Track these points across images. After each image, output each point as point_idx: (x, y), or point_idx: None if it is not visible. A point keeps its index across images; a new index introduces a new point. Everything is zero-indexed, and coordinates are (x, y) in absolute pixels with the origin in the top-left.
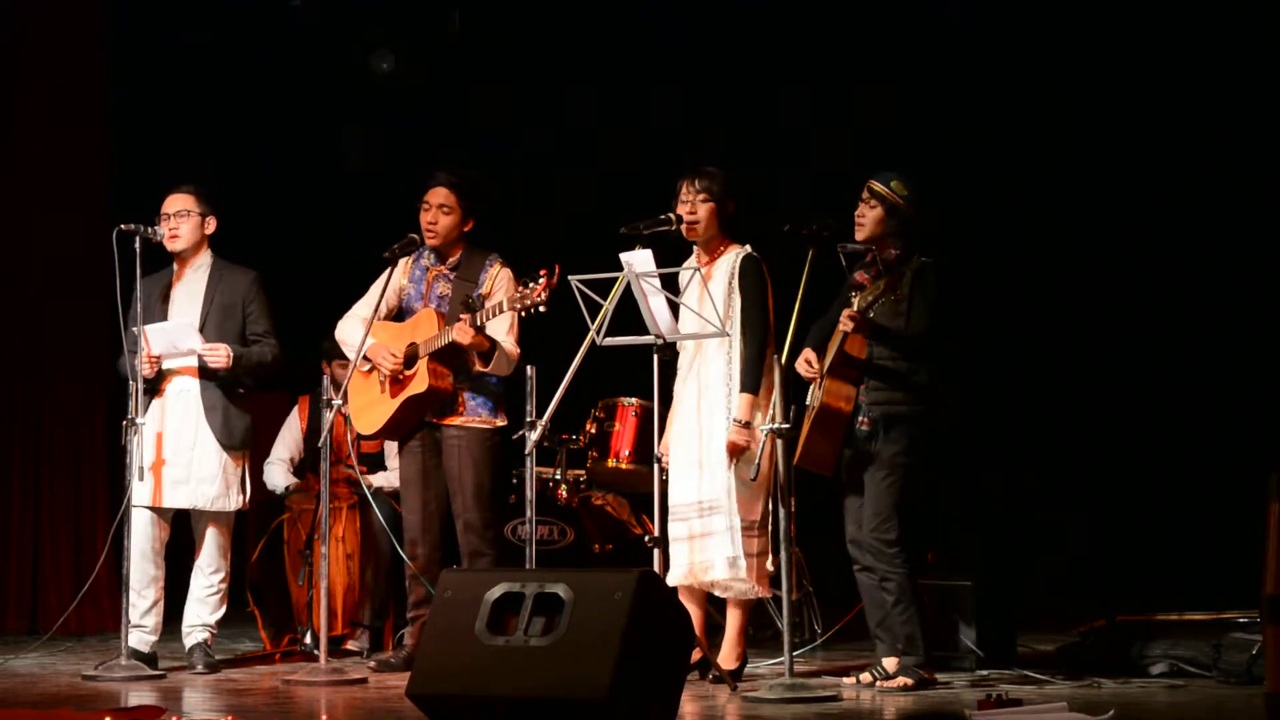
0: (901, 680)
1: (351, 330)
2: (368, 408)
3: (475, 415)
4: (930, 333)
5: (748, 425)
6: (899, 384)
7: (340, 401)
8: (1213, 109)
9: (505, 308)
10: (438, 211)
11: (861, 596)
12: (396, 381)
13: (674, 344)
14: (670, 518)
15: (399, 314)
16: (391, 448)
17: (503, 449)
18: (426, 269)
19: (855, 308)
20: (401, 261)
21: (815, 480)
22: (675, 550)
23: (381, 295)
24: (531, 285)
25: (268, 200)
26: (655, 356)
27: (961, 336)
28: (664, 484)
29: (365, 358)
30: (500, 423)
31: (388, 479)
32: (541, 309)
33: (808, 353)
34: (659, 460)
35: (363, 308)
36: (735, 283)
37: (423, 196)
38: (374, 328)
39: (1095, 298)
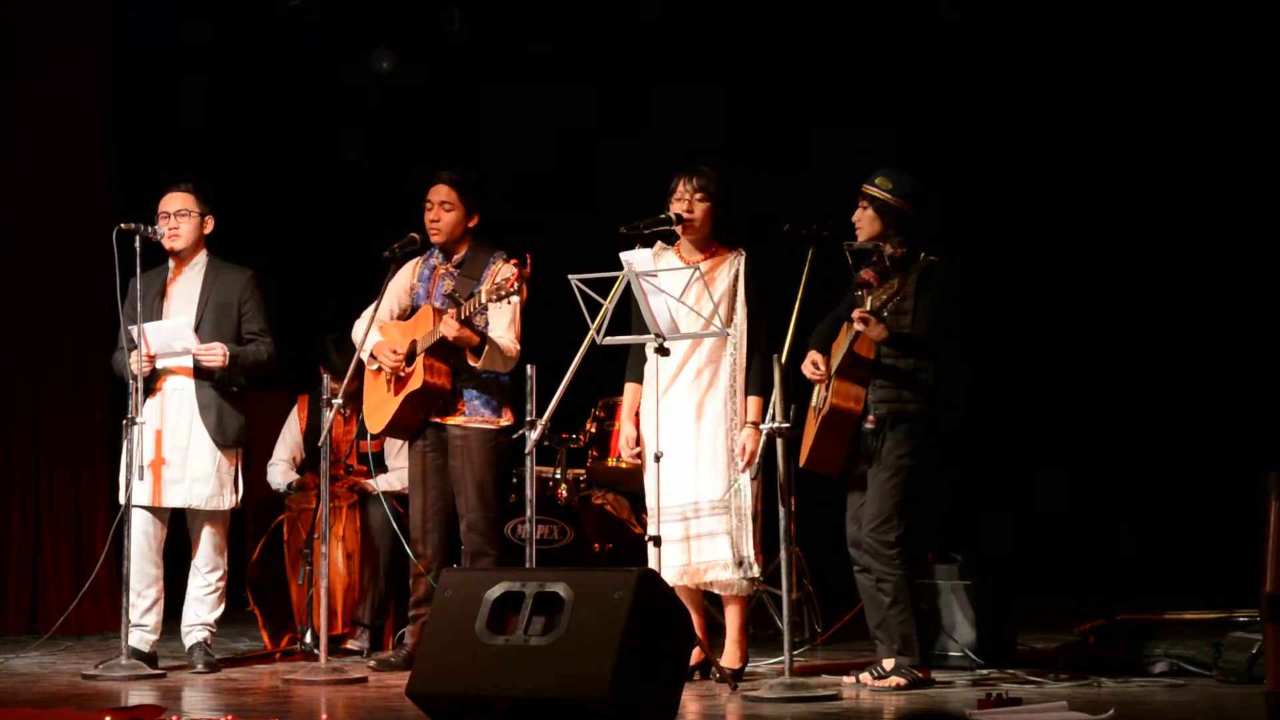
0: (895, 680)
1: (360, 331)
2: (377, 407)
3: (477, 414)
4: (936, 333)
5: (757, 428)
6: (906, 383)
7: (340, 400)
8: (1213, 106)
9: (484, 298)
10: (439, 209)
11: (861, 597)
12: (399, 379)
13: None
14: (662, 518)
15: (411, 313)
16: (392, 447)
17: (508, 448)
18: (434, 268)
19: (868, 307)
20: (412, 262)
21: (815, 480)
22: (668, 551)
23: (380, 295)
24: (505, 276)
25: (267, 199)
26: (655, 355)
27: (964, 335)
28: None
29: (372, 355)
30: (504, 421)
31: (389, 481)
32: (516, 297)
33: (814, 355)
34: (658, 458)
35: (373, 309)
36: (740, 286)
37: (425, 195)
38: (383, 327)
39: (1096, 296)
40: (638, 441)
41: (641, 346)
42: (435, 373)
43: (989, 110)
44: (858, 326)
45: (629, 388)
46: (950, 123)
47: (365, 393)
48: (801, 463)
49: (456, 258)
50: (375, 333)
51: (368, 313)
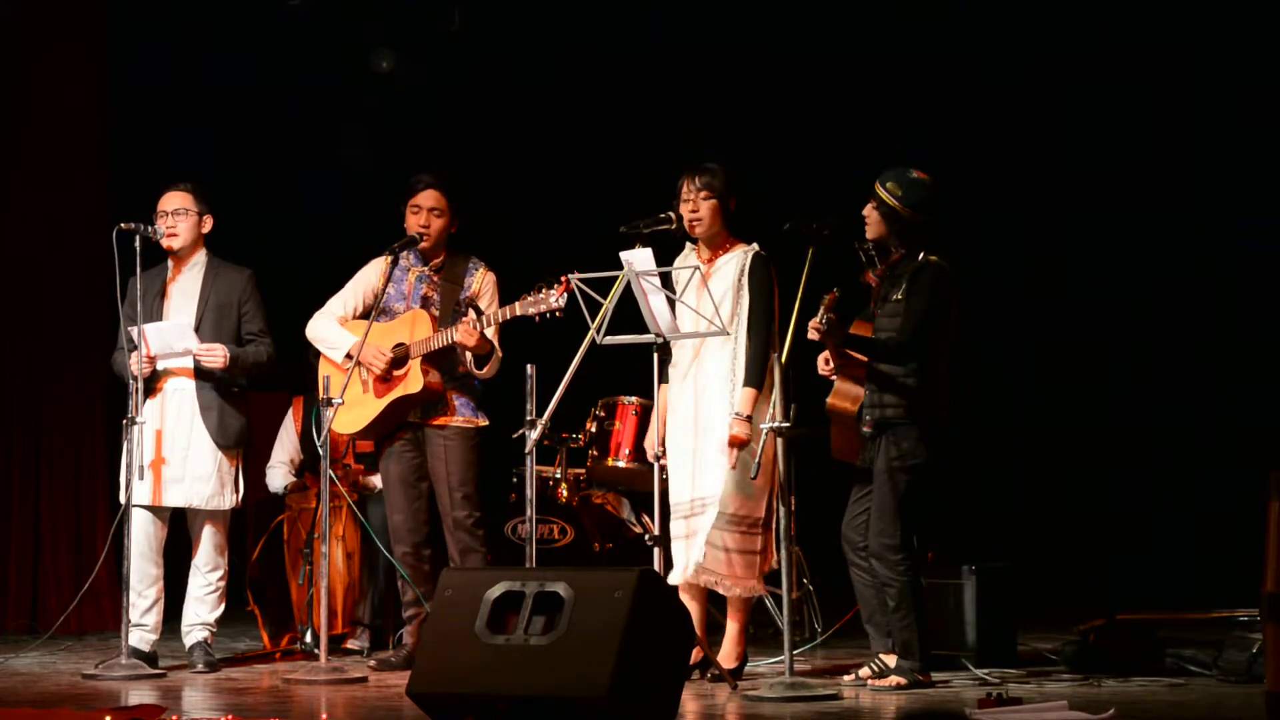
0: (895, 680)
1: (325, 328)
2: (349, 407)
3: (461, 415)
4: (914, 337)
5: (749, 420)
6: (891, 388)
7: (340, 400)
8: (1213, 104)
9: (518, 310)
10: (429, 215)
11: (855, 591)
12: (383, 381)
13: (668, 343)
14: (670, 516)
15: (378, 314)
16: None
17: (485, 448)
18: (408, 269)
19: (818, 318)
20: (380, 262)
21: (815, 480)
22: (675, 549)
23: (383, 291)
24: (546, 291)
25: (266, 200)
26: (655, 355)
27: (961, 336)
28: (664, 482)
29: (348, 355)
30: (482, 422)
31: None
32: (558, 314)
33: (828, 352)
34: (659, 458)
35: (337, 305)
36: (745, 280)
37: (409, 200)
38: (356, 327)
39: (1096, 296)
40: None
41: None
42: (432, 377)
43: (988, 109)
44: (811, 336)
45: (662, 389)
46: (950, 122)
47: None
48: (833, 453)
49: (435, 263)
50: (346, 332)
51: (334, 310)
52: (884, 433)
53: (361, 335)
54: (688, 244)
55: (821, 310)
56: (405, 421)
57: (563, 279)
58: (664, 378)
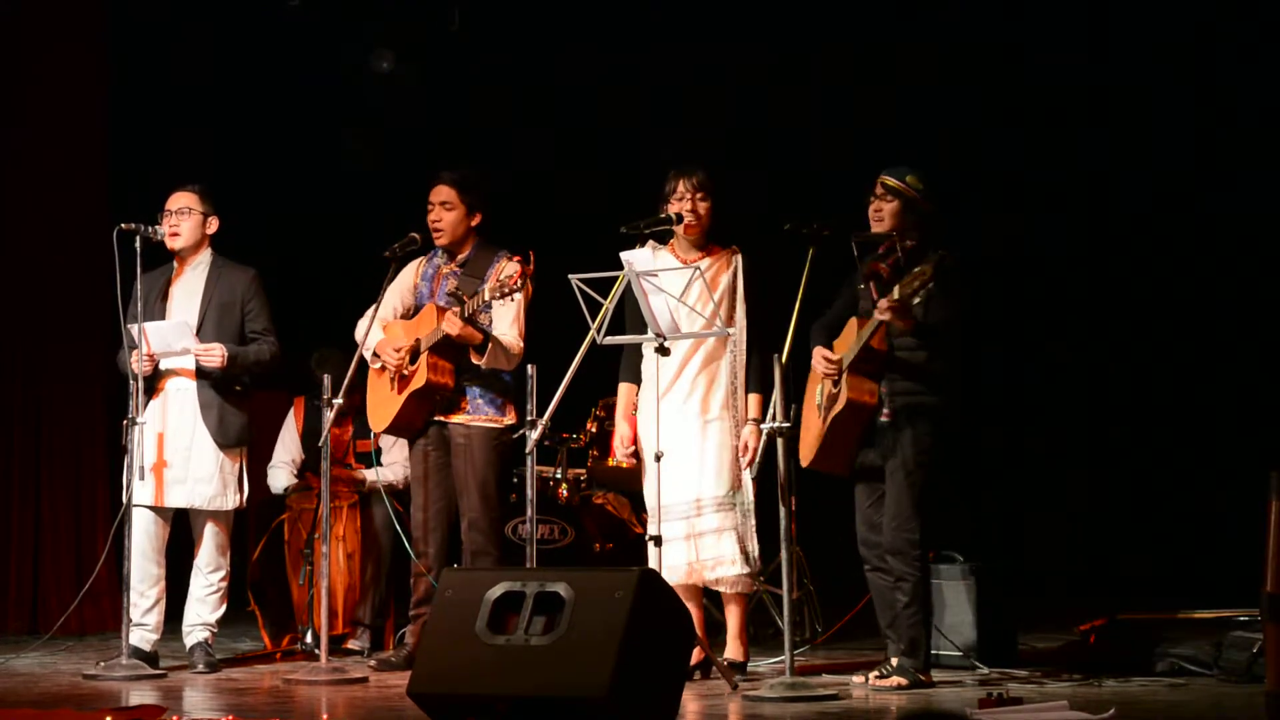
0: (896, 680)
1: (361, 330)
2: (381, 404)
3: (481, 413)
4: (950, 327)
5: (758, 424)
6: (920, 376)
7: (340, 400)
8: (1213, 102)
9: (487, 295)
10: (440, 209)
11: (873, 595)
12: (403, 378)
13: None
14: (664, 517)
15: (415, 313)
16: (386, 444)
17: (511, 447)
18: (438, 267)
19: (895, 295)
20: (416, 261)
21: (816, 480)
22: (670, 550)
23: (381, 294)
24: (508, 274)
25: (268, 200)
26: (655, 355)
27: (968, 332)
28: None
29: (375, 354)
30: (508, 420)
31: (379, 474)
32: (520, 294)
33: (823, 350)
34: (658, 457)
35: (373, 309)
36: (739, 284)
37: (427, 198)
38: (386, 326)
39: (1096, 295)
40: (633, 440)
41: (636, 347)
42: (439, 371)
43: (984, 108)
44: (882, 316)
45: (623, 387)
46: (950, 120)
47: (369, 391)
48: (806, 463)
49: (460, 257)
50: (377, 331)
51: (370, 312)
52: (911, 421)
53: (389, 334)
54: (652, 242)
55: (919, 285)
56: (432, 418)
57: (516, 259)
58: (630, 377)
